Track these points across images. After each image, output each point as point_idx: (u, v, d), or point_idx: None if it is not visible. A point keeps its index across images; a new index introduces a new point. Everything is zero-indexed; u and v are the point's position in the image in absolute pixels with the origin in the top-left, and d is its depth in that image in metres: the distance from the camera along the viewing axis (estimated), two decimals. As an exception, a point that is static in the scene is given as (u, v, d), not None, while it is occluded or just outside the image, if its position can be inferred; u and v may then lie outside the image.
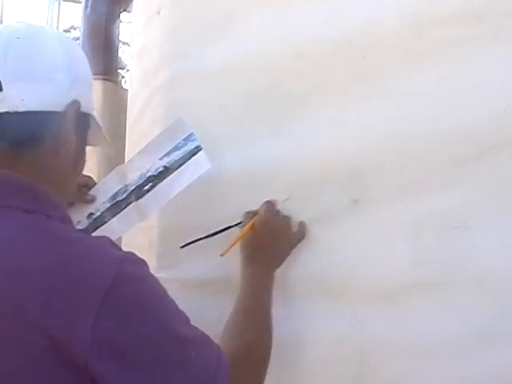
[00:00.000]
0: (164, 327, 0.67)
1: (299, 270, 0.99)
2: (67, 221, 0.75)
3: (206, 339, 0.72)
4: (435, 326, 0.87)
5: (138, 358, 0.64)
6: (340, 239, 0.96)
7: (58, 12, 3.56)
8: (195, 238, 1.05)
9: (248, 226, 0.96)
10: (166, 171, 1.05)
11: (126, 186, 1.08)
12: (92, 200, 1.10)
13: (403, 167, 0.91)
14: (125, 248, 1.14)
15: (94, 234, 1.08)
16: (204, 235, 1.04)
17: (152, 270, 1.08)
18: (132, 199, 1.07)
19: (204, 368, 0.68)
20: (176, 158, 1.05)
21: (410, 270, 0.90)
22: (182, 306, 0.73)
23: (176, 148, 1.05)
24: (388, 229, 0.92)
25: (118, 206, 1.09)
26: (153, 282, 0.70)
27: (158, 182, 1.05)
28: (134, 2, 1.39)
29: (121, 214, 1.08)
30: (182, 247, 1.07)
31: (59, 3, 3.50)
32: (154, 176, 1.06)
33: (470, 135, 0.86)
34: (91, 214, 1.10)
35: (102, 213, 1.09)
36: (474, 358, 0.84)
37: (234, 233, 1.02)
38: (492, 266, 0.84)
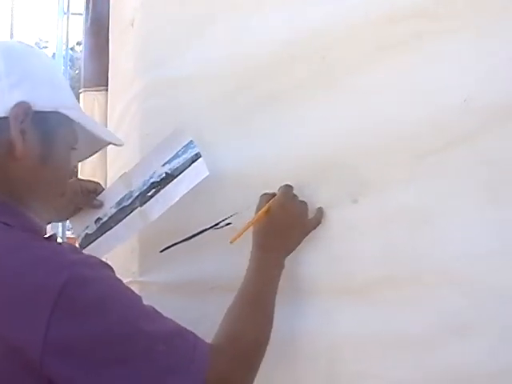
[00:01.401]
0: (124, 324, 0.68)
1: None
2: (29, 229, 0.75)
3: (178, 332, 0.72)
4: (407, 319, 0.88)
5: (98, 356, 0.65)
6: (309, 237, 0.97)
7: (67, 25, 3.60)
8: (174, 242, 1.08)
9: (264, 209, 0.93)
10: (167, 178, 1.09)
11: (131, 192, 1.13)
12: (100, 205, 1.15)
13: (369, 163, 0.93)
14: (110, 255, 1.17)
15: (101, 239, 1.13)
16: (182, 238, 1.07)
17: (134, 275, 1.11)
18: (136, 205, 1.11)
19: (175, 360, 0.69)
20: (177, 165, 1.08)
21: (380, 265, 0.91)
22: (163, 309, 0.74)
23: (177, 155, 1.08)
24: (357, 225, 0.94)
25: (123, 211, 1.13)
26: (110, 282, 0.71)
27: (161, 188, 1.09)
28: (110, 15, 1.42)
29: (126, 219, 1.12)
30: (162, 251, 1.10)
31: (68, 17, 3.54)
32: (156, 182, 1.10)
33: (432, 128, 0.86)
34: (99, 218, 1.15)
35: (109, 218, 1.14)
36: (447, 349, 0.84)
37: (213, 233, 1.03)
38: (459, 258, 0.84)
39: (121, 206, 1.13)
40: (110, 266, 0.74)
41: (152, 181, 1.10)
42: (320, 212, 0.96)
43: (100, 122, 1.86)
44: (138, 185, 1.12)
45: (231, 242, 0.91)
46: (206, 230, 1.05)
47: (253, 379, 0.79)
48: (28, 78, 0.77)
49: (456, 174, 0.86)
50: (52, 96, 0.80)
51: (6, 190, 0.75)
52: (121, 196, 1.14)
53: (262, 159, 1.04)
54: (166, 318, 0.74)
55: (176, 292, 1.09)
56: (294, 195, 0.96)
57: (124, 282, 0.77)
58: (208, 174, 1.04)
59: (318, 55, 0.97)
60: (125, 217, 1.12)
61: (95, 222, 1.15)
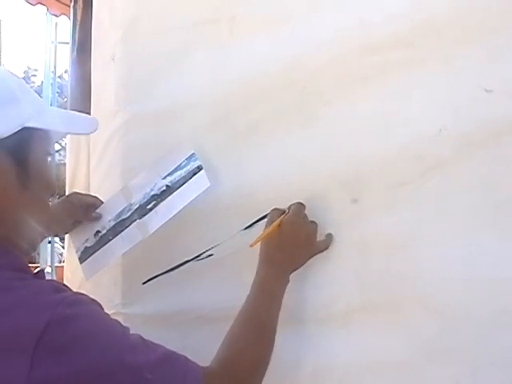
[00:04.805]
0: (107, 359, 0.67)
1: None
2: (16, 268, 0.74)
3: (167, 358, 0.72)
4: (386, 345, 0.89)
5: None
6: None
7: (55, 53, 3.60)
8: (156, 274, 1.09)
9: (276, 223, 0.94)
10: (168, 190, 1.09)
11: (131, 204, 1.14)
12: (97, 218, 1.16)
13: (347, 190, 0.94)
14: (94, 287, 1.17)
15: (99, 252, 1.14)
16: (164, 270, 1.08)
17: (117, 307, 1.11)
18: (135, 217, 1.12)
19: None
20: (178, 178, 1.09)
21: (358, 291, 0.92)
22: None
23: (178, 168, 1.10)
24: (336, 252, 0.95)
25: (122, 224, 1.14)
26: (93, 318, 0.71)
27: (161, 201, 1.10)
28: (92, 48, 1.44)
29: (124, 231, 1.13)
30: (145, 283, 1.10)
31: (55, 46, 3.53)
32: (156, 195, 1.11)
33: (409, 157, 0.89)
34: (98, 231, 1.16)
35: (108, 231, 1.15)
36: (422, 374, 0.85)
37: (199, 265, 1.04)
38: (435, 284, 0.85)
39: (120, 219, 1.13)
40: (96, 302, 0.74)
41: (152, 193, 1.11)
42: (330, 237, 0.96)
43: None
44: (138, 197, 1.12)
45: (251, 246, 0.92)
46: (188, 261, 1.05)
47: None
48: None
49: (432, 202, 0.87)
50: (11, 115, 0.73)
51: None
52: (120, 209, 1.14)
53: (241, 190, 1.05)
54: (155, 344, 0.73)
55: (159, 323, 1.10)
56: (306, 215, 0.97)
57: (107, 314, 0.77)
58: (209, 185, 1.05)
59: (296, 85, 1.00)
60: (123, 229, 1.12)
61: (94, 235, 1.16)
